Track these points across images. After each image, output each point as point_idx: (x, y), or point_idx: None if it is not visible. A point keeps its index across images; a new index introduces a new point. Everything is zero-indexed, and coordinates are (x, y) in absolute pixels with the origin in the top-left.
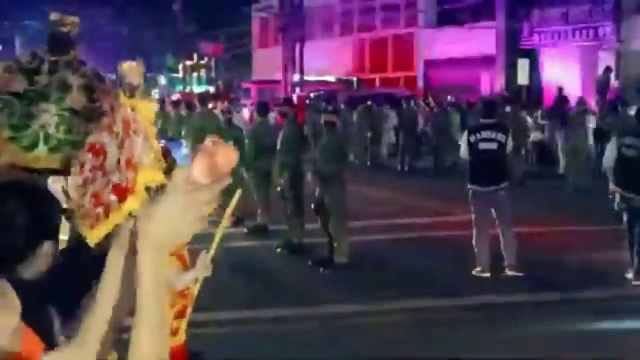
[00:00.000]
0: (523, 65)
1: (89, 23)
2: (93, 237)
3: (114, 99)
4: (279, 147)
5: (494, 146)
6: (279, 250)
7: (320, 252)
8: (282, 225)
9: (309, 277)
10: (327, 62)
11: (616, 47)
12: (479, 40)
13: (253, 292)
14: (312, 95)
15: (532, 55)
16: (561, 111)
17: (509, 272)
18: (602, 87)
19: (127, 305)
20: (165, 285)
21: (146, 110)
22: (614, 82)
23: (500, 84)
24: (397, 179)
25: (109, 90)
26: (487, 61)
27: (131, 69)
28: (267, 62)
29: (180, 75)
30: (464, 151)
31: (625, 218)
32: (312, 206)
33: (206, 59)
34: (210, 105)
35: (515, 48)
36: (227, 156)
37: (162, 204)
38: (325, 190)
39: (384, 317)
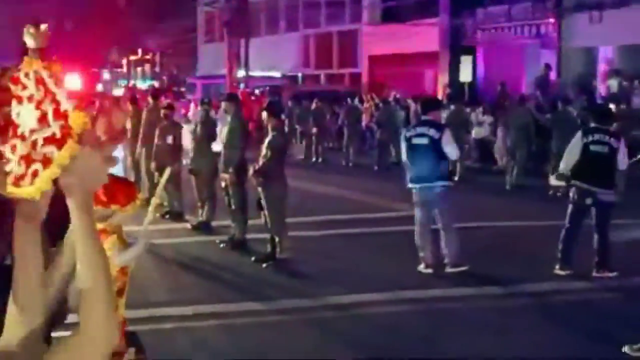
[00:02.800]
0: (466, 62)
1: (30, 17)
2: (37, 188)
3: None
4: (222, 142)
5: (424, 141)
6: (221, 245)
7: (263, 247)
8: (225, 220)
9: (252, 273)
10: (272, 57)
11: (557, 44)
12: (423, 37)
13: (195, 288)
14: (256, 91)
15: (475, 52)
16: (502, 108)
17: (450, 269)
18: (542, 83)
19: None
20: (96, 230)
21: (56, 66)
22: (554, 79)
23: (443, 80)
24: (341, 174)
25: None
26: (430, 58)
27: (34, 33)
28: (212, 57)
29: (124, 70)
30: (403, 151)
31: (570, 212)
32: (256, 202)
33: (150, 53)
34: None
35: (458, 45)
36: (121, 116)
37: (77, 160)
38: (264, 186)
39: (326, 311)
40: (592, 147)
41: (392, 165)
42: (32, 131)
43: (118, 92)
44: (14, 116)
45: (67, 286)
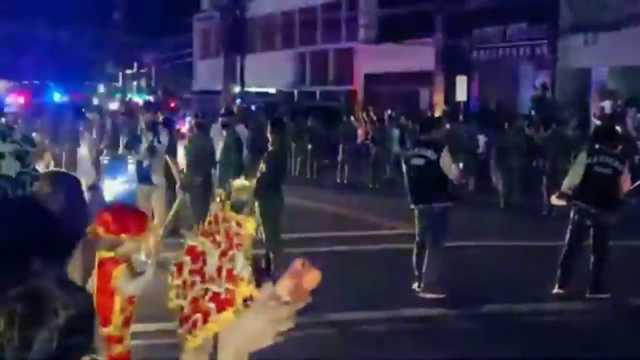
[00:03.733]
0: (461, 81)
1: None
2: (190, 344)
3: (219, 209)
4: (218, 157)
5: (421, 162)
6: None
7: (258, 263)
8: None
9: None
10: (268, 74)
11: (552, 65)
12: (419, 56)
13: None
14: (252, 107)
15: (470, 72)
16: (497, 127)
17: (422, 294)
18: (538, 103)
19: None
20: None
21: (251, 228)
22: (549, 99)
23: (438, 99)
24: (336, 191)
25: (40, 154)
26: (426, 77)
27: (242, 187)
28: (208, 73)
29: (120, 83)
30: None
31: (570, 231)
32: None
33: (146, 67)
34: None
35: (453, 64)
36: (313, 278)
37: (244, 316)
38: (261, 201)
39: (319, 329)
40: (596, 169)
41: (386, 182)
42: (211, 279)
43: (113, 105)
44: (207, 250)
45: None
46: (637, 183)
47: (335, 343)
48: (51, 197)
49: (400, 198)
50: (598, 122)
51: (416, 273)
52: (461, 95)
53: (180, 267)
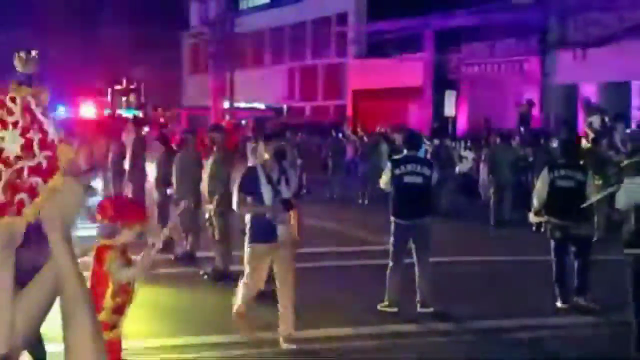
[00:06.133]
0: (449, 96)
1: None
2: (24, 219)
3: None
4: (207, 173)
5: (419, 180)
6: (205, 276)
7: None
8: (208, 251)
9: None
10: (257, 89)
11: (540, 80)
12: (407, 71)
13: (177, 319)
14: (242, 122)
15: (459, 87)
16: (486, 143)
17: (420, 309)
18: (525, 119)
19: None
20: (77, 261)
21: (44, 95)
22: (536, 114)
23: (427, 114)
24: (325, 206)
25: None
26: (414, 92)
27: (25, 60)
28: (197, 88)
29: (108, 99)
30: (385, 182)
31: (553, 248)
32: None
33: (135, 83)
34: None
35: (442, 80)
36: (100, 147)
37: (60, 191)
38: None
39: (305, 344)
40: (559, 182)
41: (376, 198)
42: (18, 158)
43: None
44: None
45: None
46: (605, 192)
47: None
48: None
49: (389, 214)
50: (591, 134)
51: (389, 290)
52: (449, 110)
53: None
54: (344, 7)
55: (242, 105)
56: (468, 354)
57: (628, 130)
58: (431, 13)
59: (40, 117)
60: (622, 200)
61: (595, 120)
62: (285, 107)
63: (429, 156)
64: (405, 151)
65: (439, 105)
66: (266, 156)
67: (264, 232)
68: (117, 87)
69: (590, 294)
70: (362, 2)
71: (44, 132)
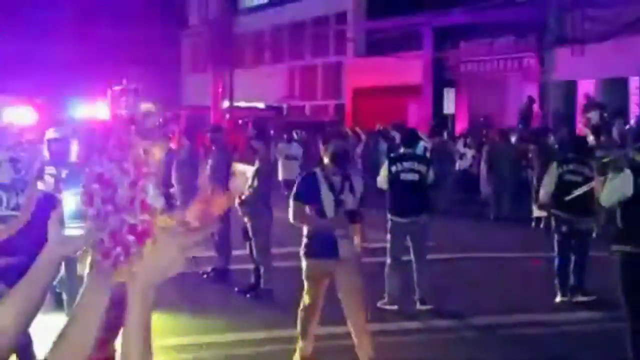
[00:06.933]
0: (449, 94)
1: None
2: (115, 277)
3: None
4: (208, 173)
5: (415, 177)
6: (205, 276)
7: (247, 278)
8: (209, 251)
9: (235, 303)
10: (257, 88)
11: (539, 77)
12: (406, 69)
13: (178, 318)
14: (241, 121)
15: (458, 85)
16: (486, 140)
17: (419, 306)
18: (525, 116)
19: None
20: (150, 320)
21: (158, 155)
22: (537, 111)
23: (426, 112)
24: None
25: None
26: (413, 90)
27: (148, 112)
28: (196, 88)
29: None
30: (382, 180)
31: (557, 242)
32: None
33: (134, 83)
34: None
35: (441, 78)
36: (221, 203)
37: (149, 252)
38: (251, 216)
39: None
40: (567, 177)
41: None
42: (124, 209)
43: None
44: (115, 176)
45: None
46: (575, 192)
47: (325, 357)
48: None
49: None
50: (588, 131)
51: (389, 289)
52: (449, 108)
53: (90, 195)
54: (343, 6)
55: (242, 104)
56: (468, 351)
57: (627, 127)
58: (430, 11)
59: (145, 177)
60: (606, 196)
61: (594, 115)
62: (285, 106)
63: (428, 154)
64: (402, 149)
65: (438, 103)
66: (326, 160)
67: (322, 246)
68: (116, 87)
69: (584, 289)
70: (361, 1)
71: (146, 192)
